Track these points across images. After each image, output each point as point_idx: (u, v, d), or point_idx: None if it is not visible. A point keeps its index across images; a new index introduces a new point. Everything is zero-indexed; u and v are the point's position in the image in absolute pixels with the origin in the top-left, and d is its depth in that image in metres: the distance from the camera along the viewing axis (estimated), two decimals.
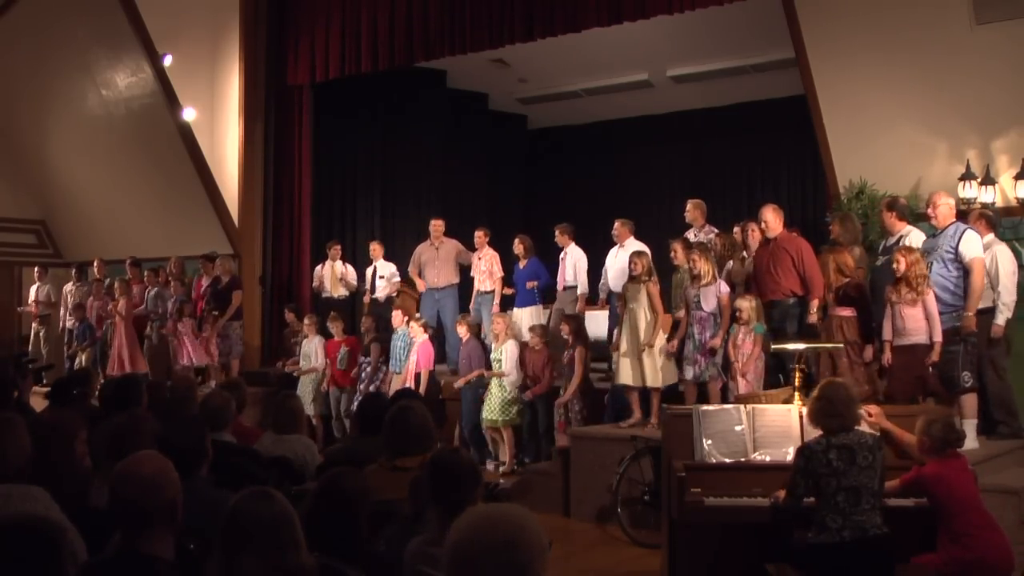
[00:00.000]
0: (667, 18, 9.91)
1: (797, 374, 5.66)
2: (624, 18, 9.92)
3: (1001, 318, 6.98)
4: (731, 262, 8.46)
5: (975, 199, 8.03)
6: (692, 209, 9.45)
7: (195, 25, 13.02)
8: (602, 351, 9.59)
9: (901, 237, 7.28)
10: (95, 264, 13.46)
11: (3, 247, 14.86)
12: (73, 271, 13.92)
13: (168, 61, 12.42)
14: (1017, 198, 8.05)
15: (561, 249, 10.22)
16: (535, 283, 10.20)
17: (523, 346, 9.38)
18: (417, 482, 3.62)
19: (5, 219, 14.86)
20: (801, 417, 5.34)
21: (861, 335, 6.96)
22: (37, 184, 14.92)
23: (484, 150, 15.07)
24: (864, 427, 5.01)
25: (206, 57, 13.18)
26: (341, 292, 11.93)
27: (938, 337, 6.49)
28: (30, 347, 13.94)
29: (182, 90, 12.57)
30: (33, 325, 14.14)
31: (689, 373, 7.67)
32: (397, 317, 10.39)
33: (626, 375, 7.94)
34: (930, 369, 6.51)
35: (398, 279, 11.56)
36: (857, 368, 6.87)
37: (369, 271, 11.76)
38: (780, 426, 5.41)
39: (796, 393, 5.58)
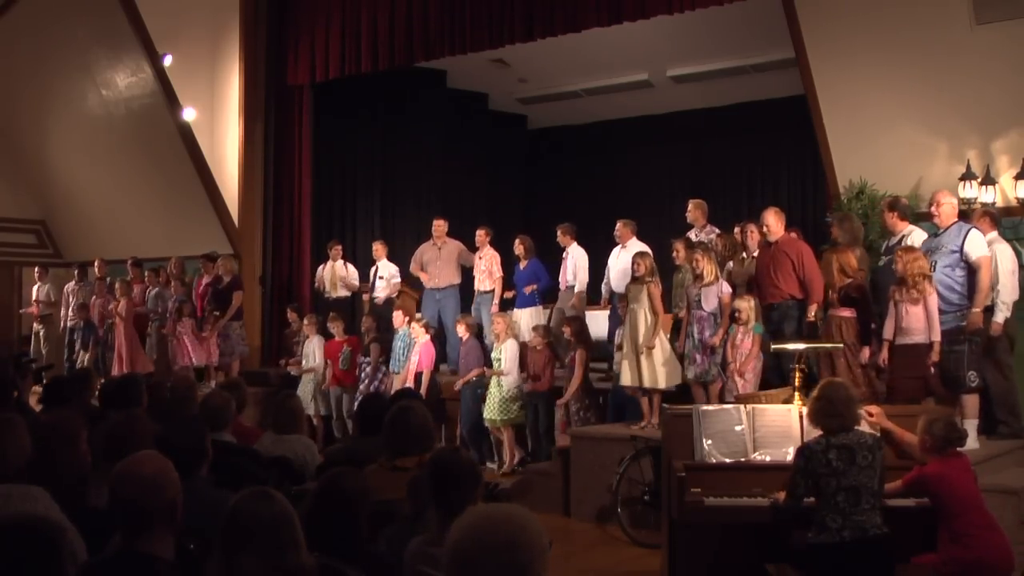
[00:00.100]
0: (667, 18, 9.90)
1: (797, 374, 5.66)
2: (624, 18, 9.92)
3: (1000, 316, 6.98)
4: (731, 263, 8.47)
5: (975, 199, 8.03)
6: (693, 209, 9.45)
7: (195, 25, 13.02)
8: (602, 351, 9.59)
9: (903, 237, 7.28)
10: (96, 264, 13.47)
11: (3, 247, 14.88)
12: (75, 271, 13.92)
13: (168, 61, 12.42)
14: (1017, 198, 8.05)
15: (563, 249, 10.23)
16: (533, 287, 10.20)
17: (524, 346, 9.38)
18: (417, 482, 3.62)
19: (5, 219, 14.87)
20: (801, 417, 5.34)
21: (859, 336, 6.96)
22: (37, 184, 14.93)
23: (484, 150, 15.06)
24: (864, 427, 5.01)
25: (206, 57, 13.18)
26: (341, 293, 11.93)
27: (937, 336, 6.48)
28: (31, 347, 13.96)
29: (182, 90, 12.57)
30: (34, 325, 14.15)
31: (690, 372, 7.71)
32: (398, 318, 10.39)
33: (626, 376, 7.95)
34: (931, 369, 6.51)
35: (398, 280, 11.54)
36: (854, 369, 6.87)
37: (372, 271, 11.76)
38: (780, 426, 5.41)
39: (796, 393, 5.58)
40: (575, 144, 15.41)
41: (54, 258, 15.17)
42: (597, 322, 9.96)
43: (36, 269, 14.27)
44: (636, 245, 9.27)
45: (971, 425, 6.45)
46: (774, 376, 7.42)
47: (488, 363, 9.50)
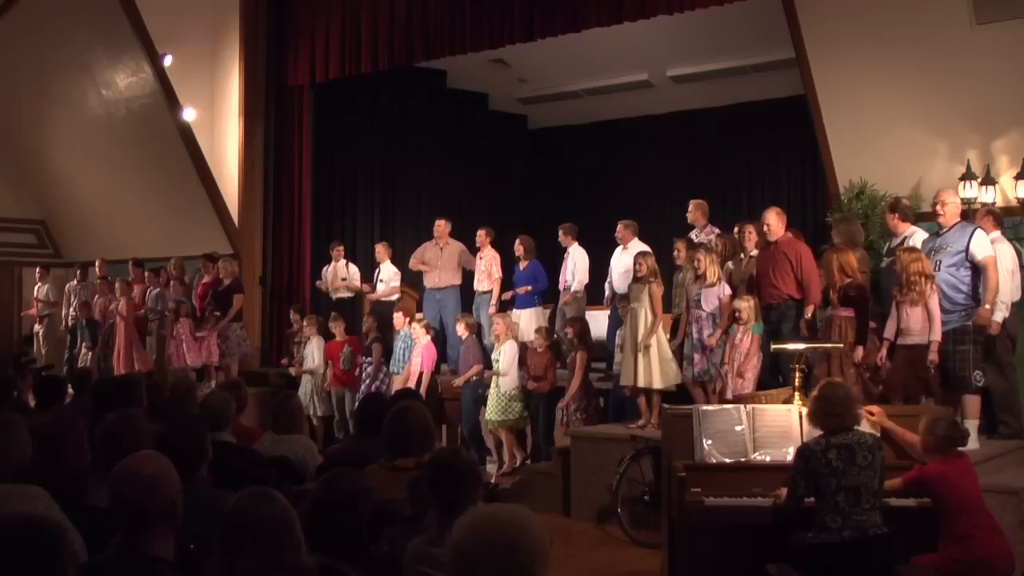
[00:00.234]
0: (667, 18, 9.89)
1: (797, 374, 5.66)
2: (624, 18, 9.92)
3: (998, 315, 6.96)
4: (731, 263, 8.46)
5: (976, 199, 8.03)
6: (694, 210, 9.44)
7: (195, 25, 13.02)
8: (602, 351, 9.58)
9: (905, 238, 7.28)
10: (97, 264, 13.47)
11: (3, 247, 14.88)
12: (77, 271, 13.92)
13: (168, 61, 12.42)
14: (1017, 198, 8.04)
15: (564, 249, 10.22)
16: (528, 288, 10.19)
17: (524, 347, 9.38)
18: (417, 482, 3.62)
19: (5, 219, 14.87)
20: (801, 417, 5.34)
21: (856, 336, 6.95)
22: (37, 184, 14.93)
23: (484, 150, 15.06)
24: (865, 427, 5.01)
25: (206, 57, 13.18)
26: (344, 294, 11.92)
27: (936, 336, 6.47)
28: (33, 347, 13.97)
29: (182, 90, 12.57)
30: (34, 325, 14.15)
31: (689, 373, 7.72)
32: (399, 319, 10.38)
33: (626, 375, 7.95)
34: (931, 370, 6.50)
35: (396, 284, 11.50)
36: (846, 369, 6.86)
37: (375, 273, 11.74)
38: (780, 426, 5.41)
39: (796, 393, 5.58)
40: (575, 144, 15.41)
41: (54, 258, 15.17)
42: (597, 322, 9.95)
43: (37, 269, 14.28)
44: (637, 246, 9.26)
45: (972, 425, 6.44)
46: (770, 376, 7.43)
47: (488, 363, 9.49)
